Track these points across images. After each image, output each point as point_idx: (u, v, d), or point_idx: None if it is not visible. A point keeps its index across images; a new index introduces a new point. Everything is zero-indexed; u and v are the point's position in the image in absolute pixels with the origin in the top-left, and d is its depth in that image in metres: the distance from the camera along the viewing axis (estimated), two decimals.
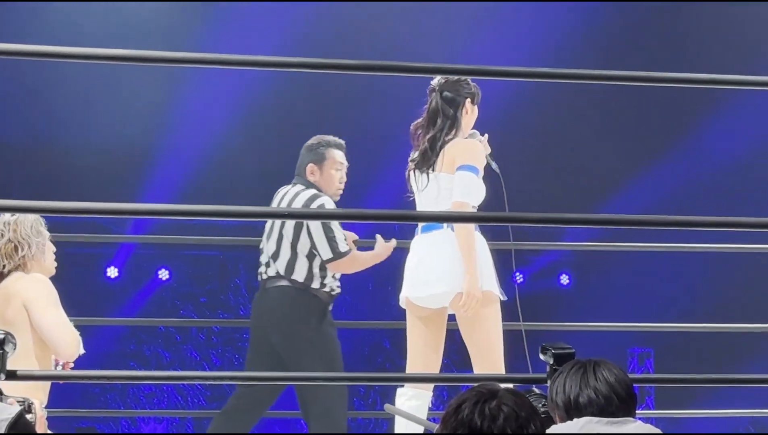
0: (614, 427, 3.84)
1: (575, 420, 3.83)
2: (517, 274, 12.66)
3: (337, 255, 7.02)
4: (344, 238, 7.11)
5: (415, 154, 6.53)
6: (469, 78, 6.55)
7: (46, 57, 4.84)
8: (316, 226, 6.99)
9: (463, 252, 6.28)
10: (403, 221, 8.28)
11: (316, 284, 7.06)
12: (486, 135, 6.57)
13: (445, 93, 6.46)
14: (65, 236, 8.04)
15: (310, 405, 7.14)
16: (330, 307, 7.23)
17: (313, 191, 7.08)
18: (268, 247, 7.12)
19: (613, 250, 10.72)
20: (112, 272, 12.34)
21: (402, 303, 6.49)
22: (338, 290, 7.23)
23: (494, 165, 6.60)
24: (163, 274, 12.43)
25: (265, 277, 7.11)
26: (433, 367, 6.42)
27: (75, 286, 12.18)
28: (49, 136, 12.25)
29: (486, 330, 6.27)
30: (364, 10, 11.86)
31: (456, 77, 6.53)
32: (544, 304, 12.35)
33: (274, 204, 7.15)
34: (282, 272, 7.01)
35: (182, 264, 12.71)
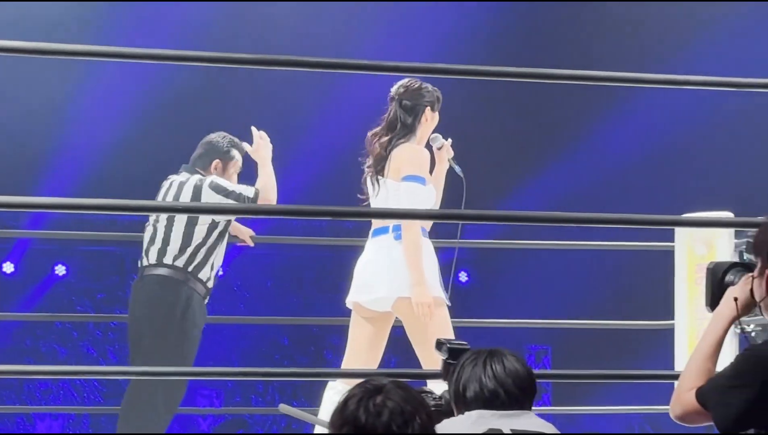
0: (504, 420, 3.86)
1: (467, 414, 3.87)
2: None
3: (254, 199, 7.08)
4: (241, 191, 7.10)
5: (369, 161, 6.56)
6: (428, 85, 6.57)
7: None
8: (209, 195, 7.00)
9: (409, 260, 6.34)
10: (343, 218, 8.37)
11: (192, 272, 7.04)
12: (449, 139, 6.66)
13: (404, 102, 6.50)
14: None
15: (132, 392, 7.12)
16: (206, 300, 7.17)
17: (197, 175, 7.09)
18: (145, 235, 7.10)
19: (512, 248, 10.72)
20: (8, 268, 12.29)
21: (348, 304, 6.56)
22: (212, 283, 7.19)
23: (458, 169, 6.67)
24: (60, 270, 12.38)
25: (144, 263, 7.09)
26: (372, 364, 6.47)
27: None
28: None
29: (434, 335, 6.29)
30: (263, 9, 11.94)
31: (417, 84, 6.53)
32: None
33: (161, 193, 7.15)
34: (155, 260, 7.02)
35: (80, 260, 12.60)
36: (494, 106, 12.28)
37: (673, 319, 7.05)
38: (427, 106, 6.56)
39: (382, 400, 3.21)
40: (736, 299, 3.77)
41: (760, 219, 6.22)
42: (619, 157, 12.84)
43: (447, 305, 6.67)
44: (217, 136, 7.34)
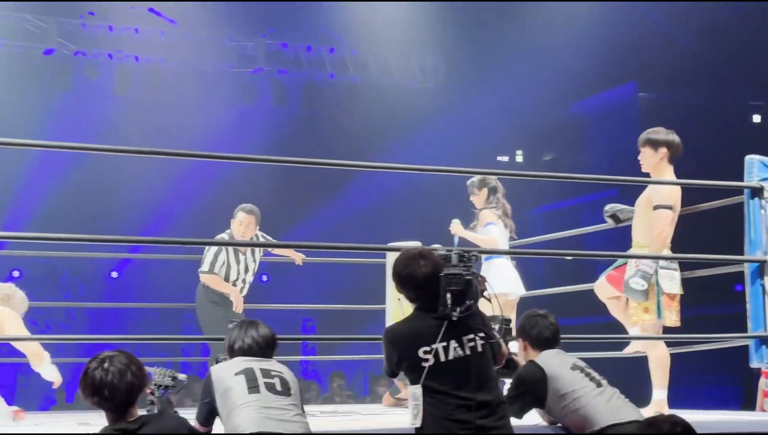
0: (256, 362, 3.92)
1: (234, 359, 3.96)
2: None
3: (201, 272, 7.08)
4: (213, 262, 7.01)
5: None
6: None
7: None
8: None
9: None
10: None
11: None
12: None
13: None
14: None
15: None
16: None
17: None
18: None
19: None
20: None
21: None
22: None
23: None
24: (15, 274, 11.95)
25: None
26: None
27: None
28: None
29: None
30: None
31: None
32: (252, 293, 13.38)
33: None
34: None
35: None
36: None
37: (384, 303, 6.80)
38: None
39: (107, 363, 3.43)
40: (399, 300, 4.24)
41: (435, 246, 5.66)
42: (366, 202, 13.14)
43: None
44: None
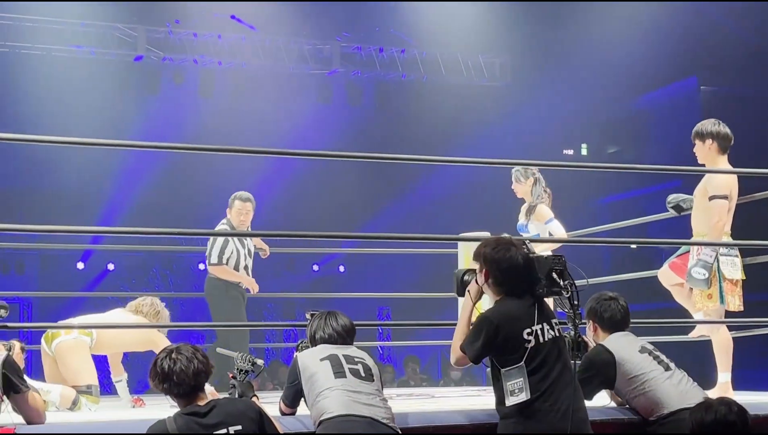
0: (338, 349, 3.99)
1: (318, 346, 4.04)
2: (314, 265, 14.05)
3: (211, 264, 7.00)
4: (220, 254, 6.91)
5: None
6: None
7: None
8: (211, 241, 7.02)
9: None
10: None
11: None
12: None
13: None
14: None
15: None
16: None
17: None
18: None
19: (368, 253, 10.76)
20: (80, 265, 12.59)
21: None
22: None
23: None
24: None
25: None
26: None
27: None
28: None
29: None
30: None
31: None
32: (330, 283, 12.95)
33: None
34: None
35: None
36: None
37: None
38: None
39: (175, 353, 3.52)
40: (469, 291, 4.03)
41: (503, 235, 5.81)
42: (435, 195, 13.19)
43: None
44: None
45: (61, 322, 5.69)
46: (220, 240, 6.92)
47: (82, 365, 5.44)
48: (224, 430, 3.36)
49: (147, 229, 5.37)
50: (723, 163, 5.63)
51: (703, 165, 5.68)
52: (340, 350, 3.95)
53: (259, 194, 12.54)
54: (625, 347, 4.41)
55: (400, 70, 13.70)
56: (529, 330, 3.81)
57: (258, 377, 4.35)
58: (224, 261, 6.94)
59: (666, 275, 5.92)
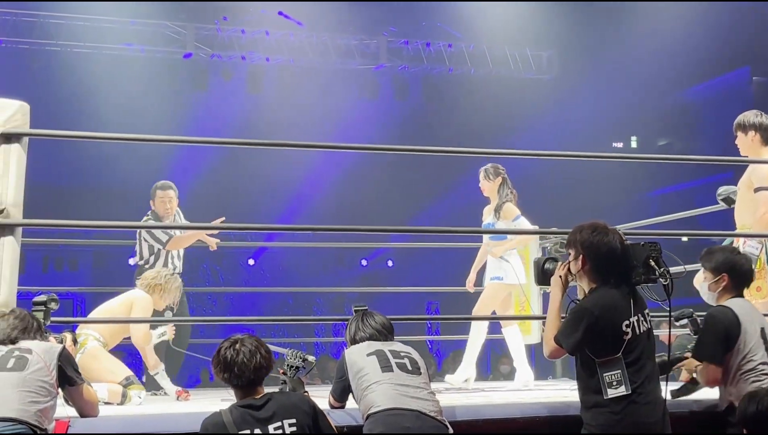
0: (383, 345, 3.99)
1: (365, 343, 4.02)
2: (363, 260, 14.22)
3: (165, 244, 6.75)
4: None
5: None
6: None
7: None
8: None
9: None
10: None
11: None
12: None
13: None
14: None
15: None
16: None
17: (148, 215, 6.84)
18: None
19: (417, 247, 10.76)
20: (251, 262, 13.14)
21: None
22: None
23: None
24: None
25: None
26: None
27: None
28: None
29: None
30: None
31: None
32: (379, 278, 13.27)
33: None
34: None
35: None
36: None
37: None
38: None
39: (239, 344, 3.50)
40: (561, 277, 3.91)
41: (552, 229, 6.41)
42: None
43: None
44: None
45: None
46: (139, 240, 6.76)
47: (109, 365, 5.50)
48: (279, 423, 3.37)
49: (198, 224, 5.46)
50: (766, 154, 5.52)
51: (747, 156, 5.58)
52: (385, 346, 3.96)
53: (307, 189, 12.84)
54: (747, 316, 4.12)
55: (447, 64, 13.68)
56: (627, 322, 3.71)
57: (307, 373, 4.30)
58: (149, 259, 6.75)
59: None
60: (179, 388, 5.92)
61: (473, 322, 6.40)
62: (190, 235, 6.85)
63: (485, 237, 6.73)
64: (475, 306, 6.50)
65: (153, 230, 6.66)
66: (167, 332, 6.02)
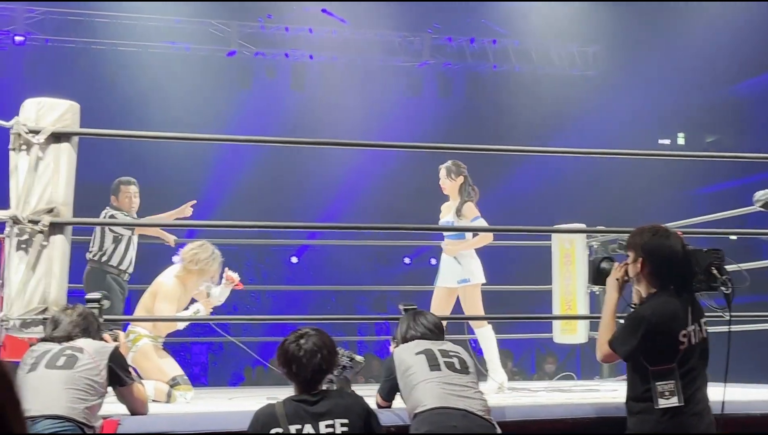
0: (432, 344, 3.98)
1: (414, 341, 4.02)
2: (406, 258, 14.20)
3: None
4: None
5: None
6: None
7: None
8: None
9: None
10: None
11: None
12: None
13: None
14: None
15: None
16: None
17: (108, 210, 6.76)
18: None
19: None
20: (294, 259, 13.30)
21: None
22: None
23: None
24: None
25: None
26: None
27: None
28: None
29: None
30: None
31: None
32: (422, 276, 12.85)
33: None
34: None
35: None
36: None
37: (551, 284, 7.23)
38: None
39: (305, 338, 3.45)
40: (618, 280, 3.81)
41: (599, 227, 6.48)
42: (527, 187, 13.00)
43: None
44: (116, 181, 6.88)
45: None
46: (101, 231, 6.75)
47: (158, 364, 5.48)
48: (331, 421, 3.32)
49: (242, 222, 5.44)
50: None
51: None
52: (435, 345, 3.94)
53: (350, 186, 12.85)
54: None
55: (491, 60, 13.65)
56: (684, 332, 3.60)
57: (354, 373, 4.30)
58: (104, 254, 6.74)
59: None
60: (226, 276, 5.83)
61: (478, 331, 6.28)
62: (152, 230, 6.90)
63: (445, 235, 6.56)
64: (463, 313, 6.34)
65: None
66: (201, 310, 5.81)
